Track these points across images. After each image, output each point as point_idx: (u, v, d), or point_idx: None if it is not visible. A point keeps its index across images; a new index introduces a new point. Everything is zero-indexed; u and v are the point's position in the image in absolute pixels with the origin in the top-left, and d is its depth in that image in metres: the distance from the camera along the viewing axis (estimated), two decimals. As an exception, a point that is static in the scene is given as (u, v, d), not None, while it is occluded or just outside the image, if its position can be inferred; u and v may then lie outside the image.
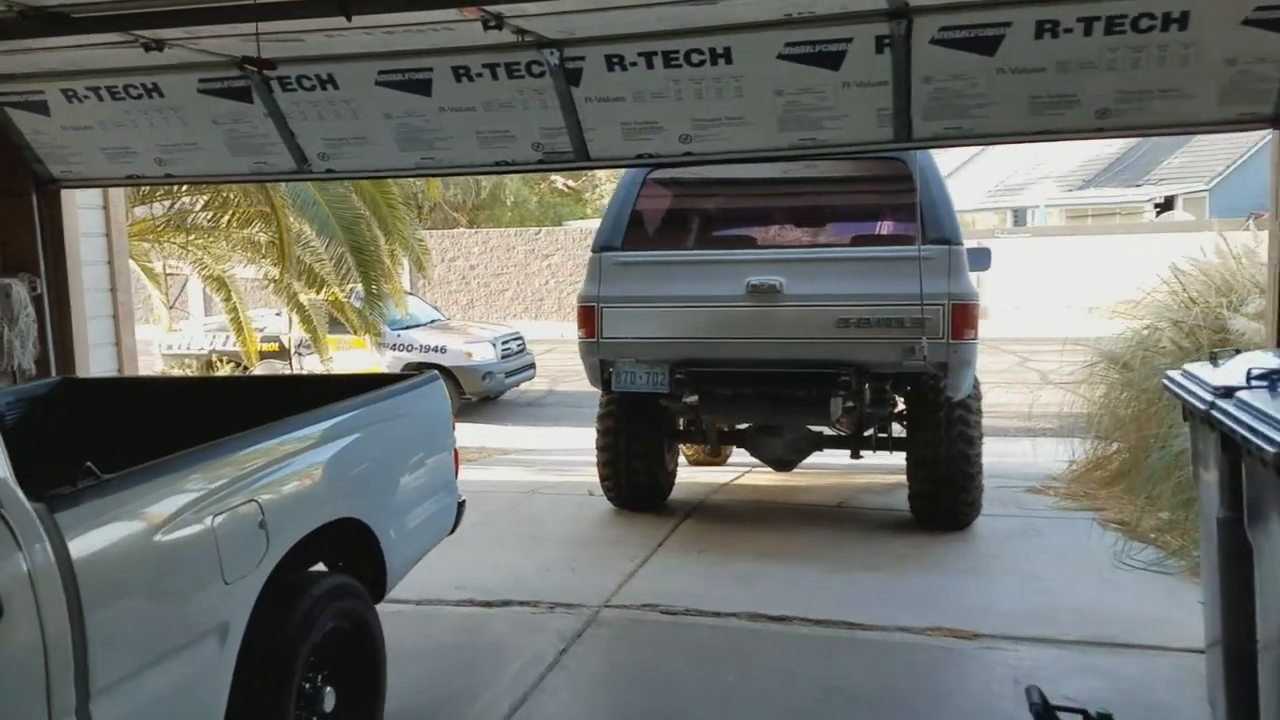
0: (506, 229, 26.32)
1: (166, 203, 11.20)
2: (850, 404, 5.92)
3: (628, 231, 6.00)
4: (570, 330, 23.67)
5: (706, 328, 5.78)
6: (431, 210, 31.23)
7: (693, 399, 6.03)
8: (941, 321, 5.47)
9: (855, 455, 6.60)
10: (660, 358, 5.86)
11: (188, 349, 14.40)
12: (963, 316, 5.49)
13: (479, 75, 4.38)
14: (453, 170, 4.81)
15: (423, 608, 4.94)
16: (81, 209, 5.47)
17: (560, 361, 18.14)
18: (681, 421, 6.77)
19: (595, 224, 26.07)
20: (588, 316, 5.93)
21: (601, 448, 6.54)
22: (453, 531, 4.25)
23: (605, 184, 44.07)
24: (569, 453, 10.31)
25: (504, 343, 13.86)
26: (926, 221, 5.52)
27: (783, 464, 6.54)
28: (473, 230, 26.72)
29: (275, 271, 11.78)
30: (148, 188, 10.60)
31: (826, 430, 6.52)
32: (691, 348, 5.82)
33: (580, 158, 4.52)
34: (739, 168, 6.10)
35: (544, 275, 24.76)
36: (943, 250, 5.54)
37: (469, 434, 11.95)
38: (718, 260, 5.90)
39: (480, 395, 13.62)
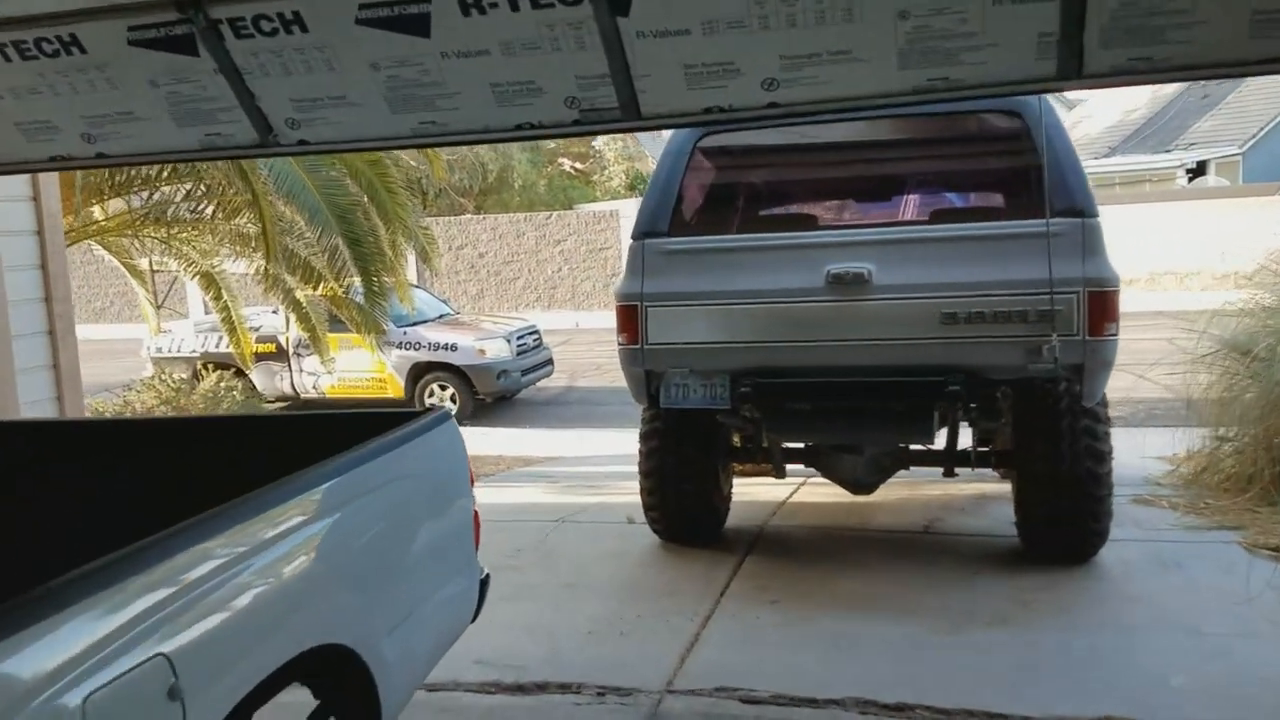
0: (515, 214, 25.22)
1: (145, 193, 10.21)
2: (955, 417, 4.84)
3: (675, 213, 4.92)
4: (587, 320, 22.74)
5: (776, 329, 4.70)
6: (437, 196, 30.19)
7: (756, 415, 4.96)
8: (1075, 313, 4.38)
9: (949, 474, 5.53)
10: (719, 367, 4.79)
11: (177, 351, 13.39)
12: (1101, 306, 4.40)
13: (493, 6, 3.26)
14: (462, 137, 3.66)
15: (435, 695, 3.90)
16: (4, 202, 4.43)
17: (578, 354, 17.06)
18: (738, 438, 5.71)
19: (608, 207, 24.95)
20: (629, 318, 4.86)
21: (646, 472, 5.47)
22: (474, 620, 3.19)
23: (614, 165, 43.07)
24: (596, 460, 9.25)
25: (519, 338, 12.80)
26: (1053, 188, 4.42)
27: (861, 487, 5.45)
28: (480, 216, 25.64)
29: (274, 268, 10.81)
30: (123, 176, 9.62)
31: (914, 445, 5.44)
32: (758, 354, 4.74)
33: (629, 115, 3.41)
34: (807, 129, 5.02)
35: (556, 262, 23.67)
36: (1075, 224, 4.44)
37: (484, 440, 10.91)
38: (788, 245, 4.80)
39: (495, 395, 12.58)
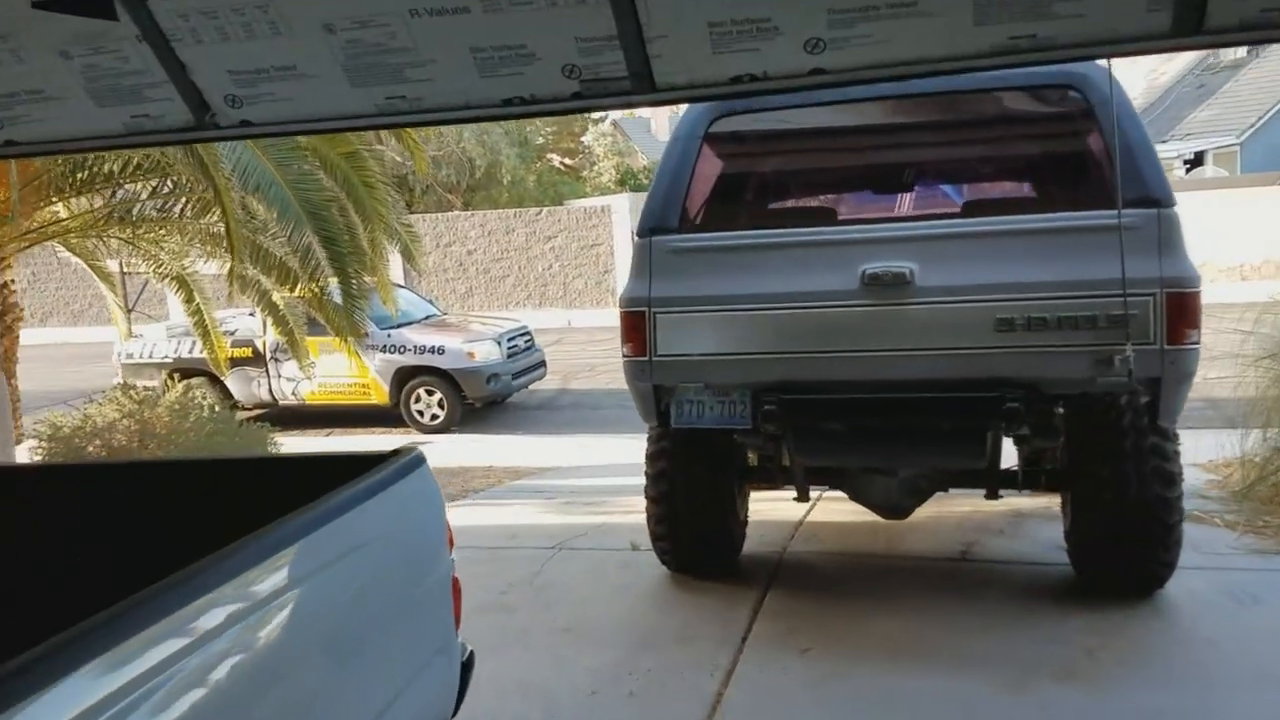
0: (505, 210, 24.57)
1: (109, 192, 9.58)
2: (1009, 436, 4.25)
3: (686, 206, 4.32)
4: (580, 318, 22.09)
5: (804, 338, 4.10)
6: (424, 193, 29.54)
7: (782, 435, 4.36)
8: (1152, 318, 3.79)
9: (992, 496, 4.95)
10: (739, 381, 4.20)
11: (149, 357, 12.74)
12: (1181, 310, 3.81)
13: (474, -51, 2.64)
14: (438, 115, 3.02)
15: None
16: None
17: (571, 354, 16.46)
18: (755, 456, 5.12)
19: (600, 202, 24.38)
20: (635, 327, 4.25)
21: (654, 497, 4.87)
22: (456, 713, 2.58)
23: (604, 161, 42.48)
24: (594, 471, 8.66)
25: (510, 339, 12.19)
26: (1125, 174, 3.83)
27: (895, 512, 4.86)
28: (468, 213, 24.98)
29: (239, 267, 10.19)
30: (84, 174, 8.98)
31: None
32: (783, 366, 4.15)
33: (640, 86, 2.77)
34: (835, 111, 4.42)
35: (547, 259, 23.04)
36: (1150, 215, 3.85)
37: (474, 449, 10.31)
38: (817, 241, 4.19)
39: (485, 400, 11.96)
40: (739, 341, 4.15)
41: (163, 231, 10.03)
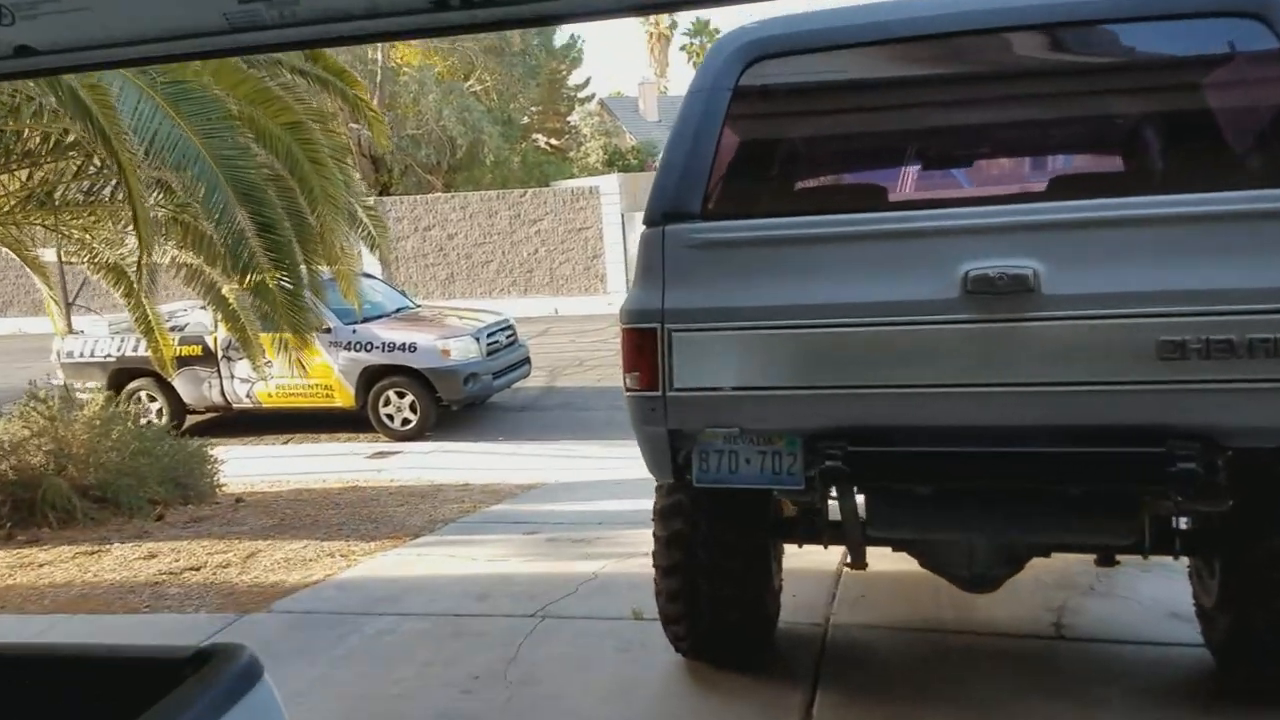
0: (487, 192, 23.30)
1: (24, 172, 8.34)
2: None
3: (712, 183, 3.12)
4: (567, 306, 20.80)
5: (882, 367, 2.92)
6: (403, 174, 28.25)
7: (849, 499, 3.18)
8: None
9: (1105, 562, 3.80)
10: (789, 425, 3.03)
11: (91, 356, 11.50)
12: None
13: None
14: (318, 30, 1.78)
15: None
16: None
17: (558, 347, 15.27)
18: (791, 507, 3.94)
19: (588, 183, 23.08)
20: (642, 349, 3.07)
21: (666, 568, 3.67)
22: None
23: (590, 141, 41.18)
24: (584, 492, 7.49)
25: (490, 335, 10.99)
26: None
27: (981, 584, 3.70)
28: (449, 195, 23.70)
29: (184, 256, 8.98)
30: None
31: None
32: (852, 406, 2.96)
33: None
34: (912, 50, 3.24)
35: (532, 243, 21.81)
36: None
37: (447, 461, 9.11)
38: (898, 230, 2.98)
39: (462, 403, 10.77)
40: (788, 371, 2.98)
41: (91, 217, 8.80)
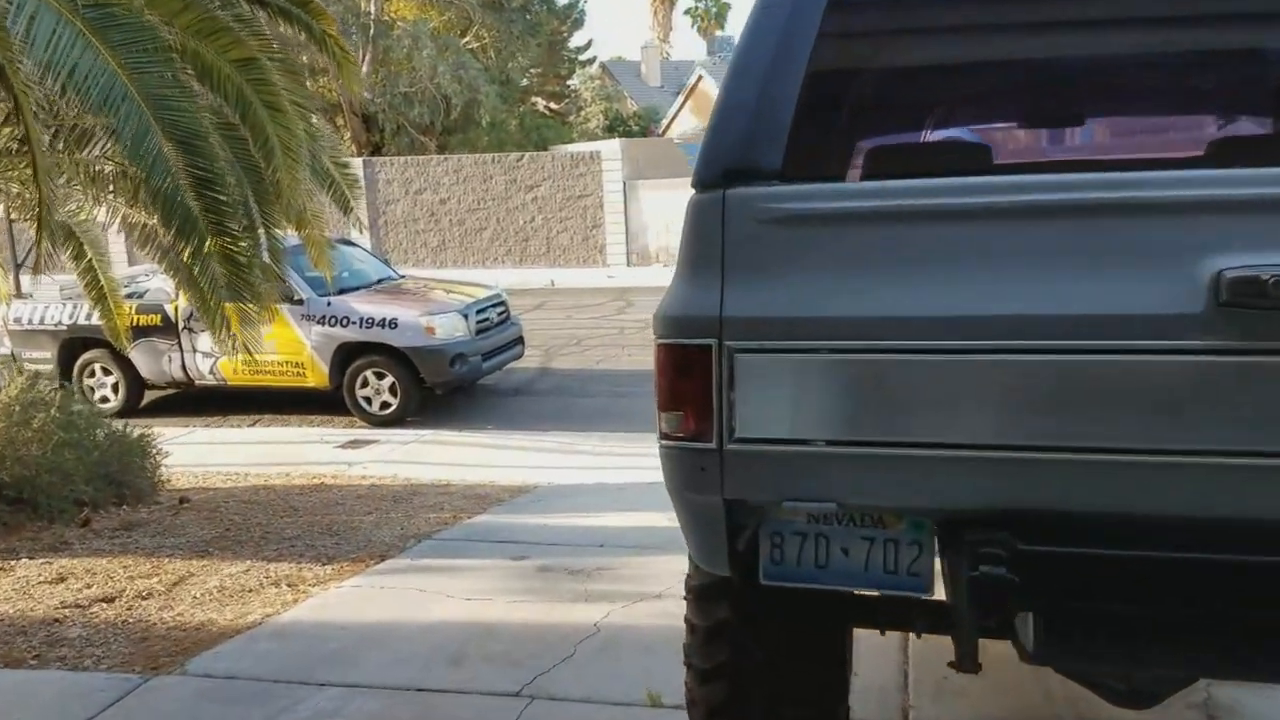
0: (483, 155, 22.13)
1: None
2: None
3: (803, 123, 2.06)
4: (564, 277, 19.63)
5: (1073, 416, 1.86)
6: (395, 134, 27.07)
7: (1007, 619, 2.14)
8: None
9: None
10: (915, 501, 2.00)
11: (40, 323, 10.43)
12: None
13: None
14: None
15: None
16: None
17: (554, 323, 14.20)
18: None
19: (589, 148, 21.91)
20: (687, 374, 2.02)
21: (706, 672, 2.58)
22: None
23: (591, 106, 39.93)
24: (583, 503, 6.47)
25: (480, 311, 9.92)
26: None
27: (1142, 700, 2.68)
28: (443, 157, 22.53)
29: (135, 215, 7.90)
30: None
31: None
32: (1020, 477, 1.91)
33: None
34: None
35: (529, 210, 20.68)
36: None
37: (428, 455, 8.07)
38: (1107, 202, 1.93)
39: (448, 386, 9.73)
40: (920, 418, 1.93)
41: (27, 169, 7.71)
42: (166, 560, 5.23)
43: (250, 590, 4.76)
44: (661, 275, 18.63)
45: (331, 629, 4.20)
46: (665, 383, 2.03)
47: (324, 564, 5.16)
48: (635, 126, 38.93)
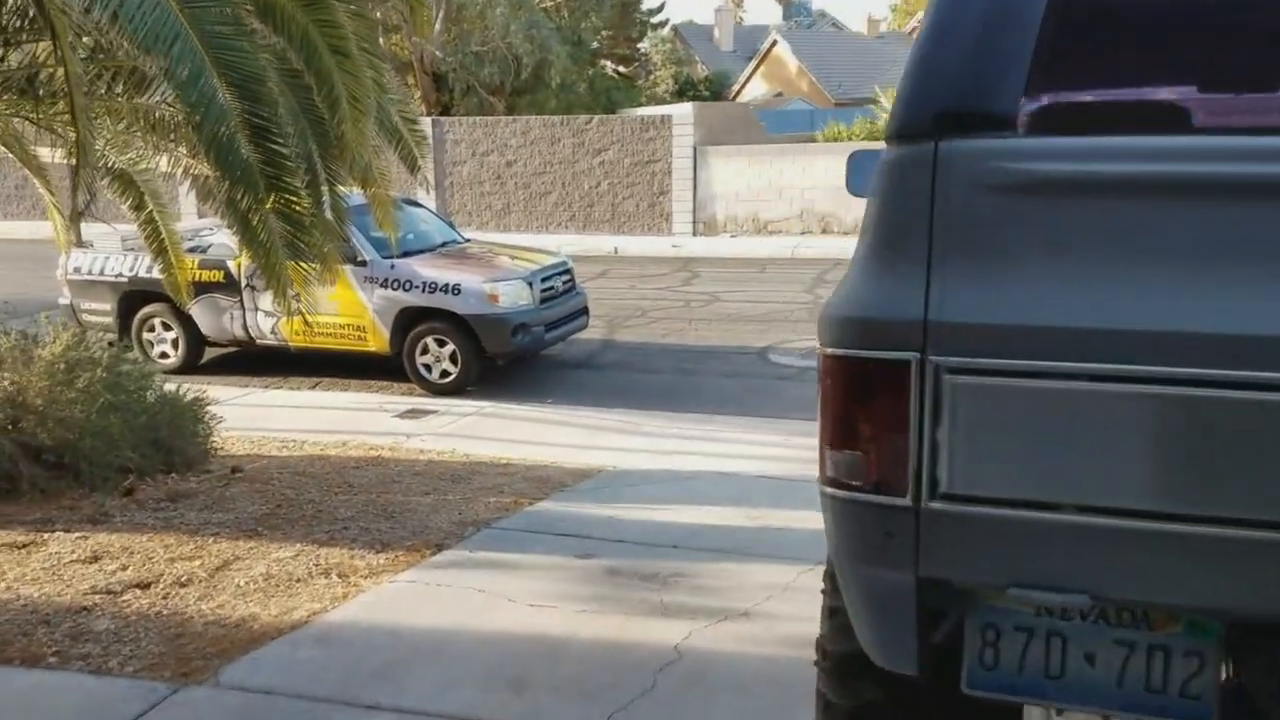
0: (550, 117, 21.62)
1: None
2: None
3: (1049, 56, 1.50)
4: (629, 245, 19.11)
5: None
6: (465, 94, 26.68)
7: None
8: None
9: None
10: (1207, 599, 1.46)
11: (100, 274, 10.19)
12: None
13: None
14: None
15: None
16: None
17: (617, 292, 13.71)
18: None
19: (659, 111, 21.32)
20: (869, 398, 1.52)
21: None
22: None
23: (661, 70, 39.17)
24: (652, 493, 6.00)
25: (545, 280, 9.47)
26: None
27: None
28: (510, 118, 22.06)
29: (198, 167, 7.56)
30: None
31: None
32: None
33: None
34: None
35: (595, 175, 20.16)
36: None
37: (488, 429, 7.65)
38: None
39: (510, 356, 9.31)
40: (1230, 484, 1.40)
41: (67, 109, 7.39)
42: (211, 540, 4.88)
43: (298, 580, 4.38)
44: (728, 246, 18.03)
45: (381, 635, 3.80)
46: (837, 410, 1.54)
47: (378, 552, 4.77)
48: (705, 91, 38.13)
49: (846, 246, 16.46)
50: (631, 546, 4.92)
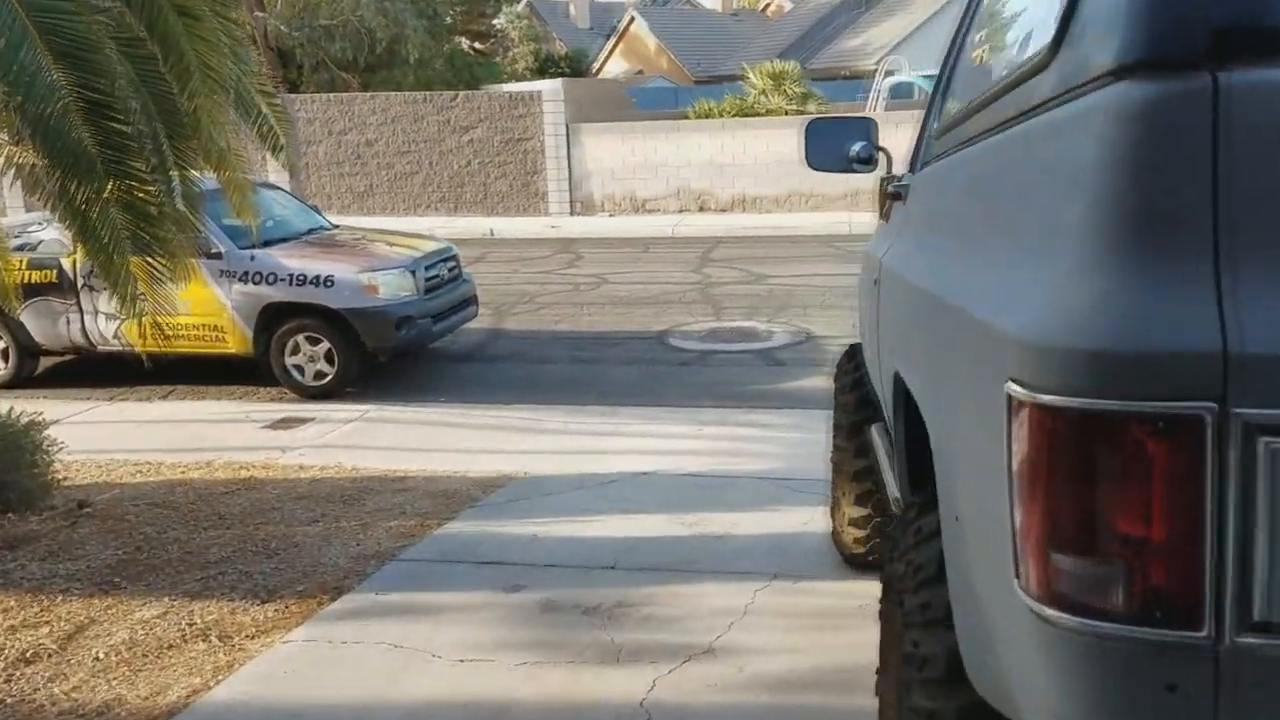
0: (412, 94, 20.57)
1: None
2: None
3: None
4: (504, 227, 18.32)
5: None
6: (314, 70, 25.26)
7: None
8: None
9: None
10: None
11: (-92, 279, 8.89)
12: None
13: None
14: None
15: None
16: None
17: (499, 277, 12.98)
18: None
19: (529, 87, 20.51)
20: (1132, 476, 0.98)
21: None
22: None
23: (519, 46, 38.17)
24: (574, 501, 5.42)
25: (429, 267, 8.72)
26: None
27: None
28: (369, 95, 20.91)
29: (22, 155, 6.55)
30: None
31: None
32: None
33: None
34: None
35: (464, 154, 19.28)
36: None
37: (375, 436, 6.89)
38: None
39: (394, 352, 8.55)
40: None
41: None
42: (60, 598, 4.06)
43: (170, 646, 3.63)
44: (607, 226, 17.46)
45: (281, 719, 3.11)
46: (1068, 492, 1.00)
47: (262, 602, 4.05)
48: (566, 68, 37.34)
49: (730, 224, 16.18)
50: (564, 572, 4.32)
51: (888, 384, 2.45)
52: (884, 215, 3.32)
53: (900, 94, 22.59)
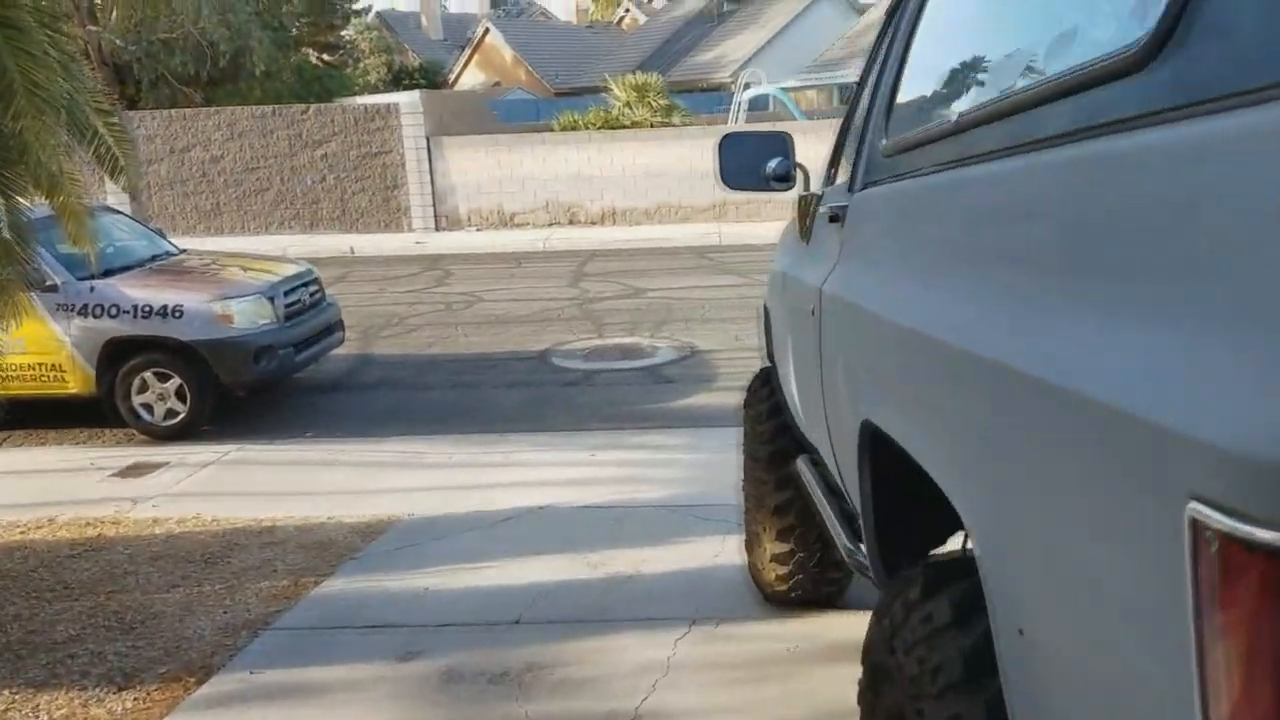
0: (260, 107, 19.62)
1: None
2: None
3: None
4: (365, 244, 17.58)
5: None
6: (153, 86, 23.89)
7: None
8: None
9: None
10: None
11: None
12: None
13: None
14: None
15: None
16: None
17: (364, 298, 12.36)
18: None
19: (385, 99, 19.86)
20: None
21: None
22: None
23: (370, 58, 37.16)
24: (466, 544, 5.02)
25: (288, 292, 8.13)
26: None
27: None
28: (213, 109, 19.85)
29: None
30: None
31: None
32: None
33: None
34: None
35: (318, 169, 18.47)
36: None
37: (233, 480, 6.30)
38: None
39: (251, 386, 7.93)
40: None
41: None
42: None
43: (6, 760, 3.10)
44: (475, 241, 16.98)
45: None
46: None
47: (120, 689, 3.53)
48: (421, 80, 36.52)
49: (602, 237, 15.86)
50: (464, 632, 3.93)
51: (847, 430, 2.18)
52: (805, 236, 3.07)
53: (758, 106, 22.88)
